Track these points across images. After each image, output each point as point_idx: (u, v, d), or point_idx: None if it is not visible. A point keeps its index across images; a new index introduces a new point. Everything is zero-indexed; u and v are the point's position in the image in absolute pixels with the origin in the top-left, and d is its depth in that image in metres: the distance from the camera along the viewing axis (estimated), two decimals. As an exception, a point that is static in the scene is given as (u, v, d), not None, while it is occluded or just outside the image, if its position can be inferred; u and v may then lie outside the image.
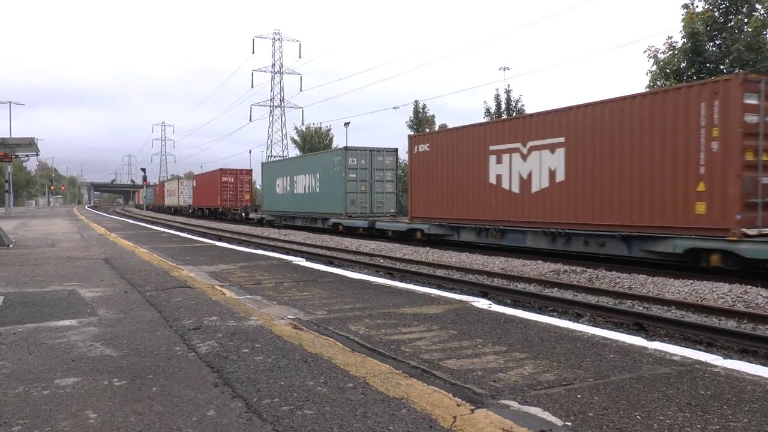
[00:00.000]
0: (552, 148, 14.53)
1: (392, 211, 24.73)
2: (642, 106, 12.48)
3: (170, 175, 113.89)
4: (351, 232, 24.06)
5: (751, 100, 10.77)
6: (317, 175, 26.94)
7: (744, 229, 10.67)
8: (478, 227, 17.05)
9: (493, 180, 16.41)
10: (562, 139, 14.28)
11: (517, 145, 15.61)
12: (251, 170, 46.37)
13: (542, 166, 14.82)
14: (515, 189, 15.68)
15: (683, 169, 11.63)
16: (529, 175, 15.21)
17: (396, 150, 25.90)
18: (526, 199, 15.35)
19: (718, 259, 11.22)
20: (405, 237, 20.49)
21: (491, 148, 16.47)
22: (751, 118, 10.74)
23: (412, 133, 38.72)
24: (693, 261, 11.74)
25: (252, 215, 37.61)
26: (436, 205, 18.70)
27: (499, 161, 16.24)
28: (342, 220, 24.35)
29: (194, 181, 54.31)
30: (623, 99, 13.01)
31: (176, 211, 60.57)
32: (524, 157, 15.39)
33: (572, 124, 14.07)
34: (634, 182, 12.56)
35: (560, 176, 14.34)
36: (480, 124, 17.87)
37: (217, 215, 45.56)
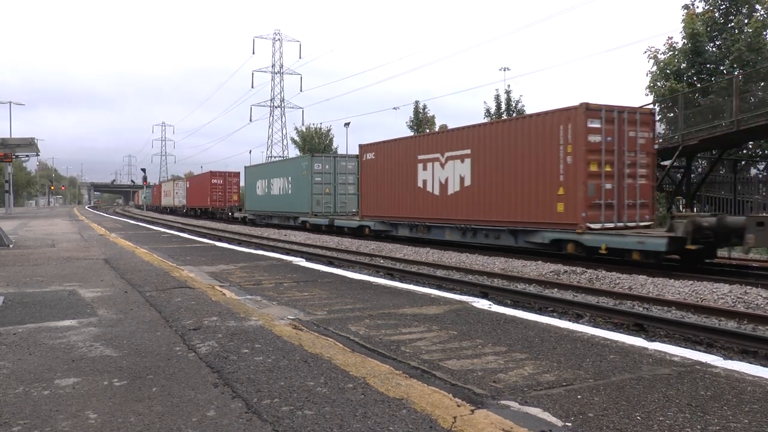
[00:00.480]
0: (462, 158, 17.35)
1: (354, 210, 26.58)
2: (522, 127, 15.43)
3: (170, 176, 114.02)
4: (317, 229, 26.76)
5: (594, 124, 13.68)
6: (289, 179, 29.79)
7: (588, 224, 13.56)
8: (410, 224, 19.98)
9: (420, 184, 19.21)
10: (468, 151, 17.11)
11: (438, 155, 18.49)
12: (239, 173, 47.59)
13: (455, 173, 17.66)
14: (436, 192, 18.53)
15: (549, 177, 14.42)
16: (446, 180, 18.04)
17: (357, 156, 27.26)
18: (444, 200, 18.16)
19: (572, 247, 14.05)
20: (356, 233, 23.47)
21: (419, 157, 19.28)
22: (594, 138, 13.67)
23: (412, 133, 40.24)
24: (556, 249, 14.55)
25: (237, 214, 40.05)
26: (379, 205, 21.55)
27: (425, 168, 19.06)
28: (309, 218, 27.34)
29: (188, 182, 57.18)
30: (510, 120, 16.97)
31: (172, 211, 62.65)
32: (443, 166, 18.23)
33: (475, 139, 16.90)
34: (517, 187, 15.43)
35: (468, 182, 17.15)
36: (411, 137, 21.29)
37: (208, 215, 47.71)
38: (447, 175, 17.98)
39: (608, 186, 13.86)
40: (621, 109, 14.15)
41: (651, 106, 15.12)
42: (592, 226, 13.55)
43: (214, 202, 45.89)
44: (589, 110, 13.67)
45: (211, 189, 45.94)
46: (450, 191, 17.86)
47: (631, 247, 12.68)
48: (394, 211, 20.72)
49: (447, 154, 18.01)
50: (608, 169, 13.82)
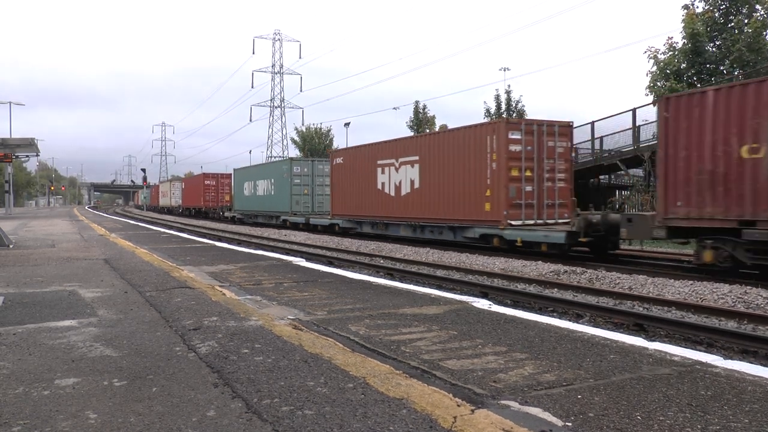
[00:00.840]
0: (412, 164, 19.57)
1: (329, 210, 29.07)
2: (459, 137, 17.44)
3: (170, 176, 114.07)
4: (295, 226, 29.29)
5: (515, 136, 15.77)
6: (272, 181, 32.07)
7: (510, 221, 15.63)
8: (372, 222, 22.20)
9: (380, 186, 21.37)
10: (417, 158, 19.30)
11: (393, 161, 20.68)
12: (231, 174, 48.75)
13: (407, 176, 19.86)
14: (392, 193, 20.73)
15: (480, 181, 16.44)
16: (400, 183, 20.28)
17: None
18: (398, 201, 20.40)
19: (497, 240, 16.07)
20: (328, 230, 26.00)
21: (378, 162, 21.45)
22: (515, 147, 15.77)
23: (412, 134, 40.73)
24: (485, 242, 16.66)
25: (227, 214, 42.08)
26: (346, 205, 23.88)
27: (383, 172, 21.22)
28: (289, 217, 29.75)
29: (183, 183, 59.68)
30: (449, 131, 18.94)
31: (169, 210, 64.40)
32: (397, 170, 20.45)
33: (423, 147, 19.14)
34: (455, 189, 17.45)
35: (417, 185, 19.37)
36: (372, 144, 22.63)
37: (201, 214, 49.65)
38: (401, 178, 20.28)
39: (528, 188, 16.00)
40: (540, 123, 16.33)
41: (569, 120, 16.97)
42: (513, 222, 15.70)
43: (207, 203, 47.89)
44: (510, 124, 16.34)
45: (204, 190, 48.02)
46: (403, 193, 20.15)
47: (539, 240, 14.83)
48: (358, 210, 22.96)
49: (401, 159, 20.31)
50: (528, 174, 16.01)
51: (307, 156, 53.90)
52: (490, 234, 16.26)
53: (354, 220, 23.57)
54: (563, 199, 16.54)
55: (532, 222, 15.82)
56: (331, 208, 25.45)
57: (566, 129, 16.81)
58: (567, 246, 14.34)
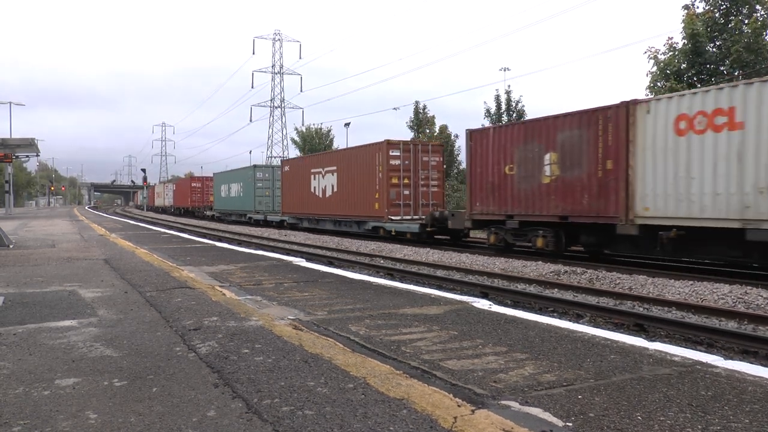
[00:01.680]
0: (333, 172, 25.32)
1: None
2: (360, 152, 23.45)
3: (171, 176, 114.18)
4: (257, 223, 34.70)
5: (394, 153, 21.50)
6: (242, 184, 37.62)
7: (390, 217, 21.22)
8: (309, 218, 28.05)
9: (312, 190, 27.10)
10: (335, 168, 25.18)
11: (321, 169, 26.53)
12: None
13: (329, 182, 25.53)
14: (320, 195, 26.40)
15: (371, 186, 22.05)
16: (325, 187, 25.99)
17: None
18: (324, 201, 26.09)
19: (383, 231, 21.63)
20: (279, 225, 31.90)
21: (312, 170, 27.35)
22: (394, 162, 21.43)
23: (412, 134, 41.23)
24: (375, 233, 22.18)
25: (207, 212, 47.67)
26: (292, 205, 29.83)
27: (314, 179, 26.97)
28: (252, 214, 35.51)
29: (174, 185, 65.14)
30: (354, 148, 25.02)
31: (163, 210, 69.17)
32: (323, 177, 26.18)
33: (339, 160, 25.26)
34: (357, 193, 23.14)
35: (335, 189, 25.13)
36: (308, 156, 31.41)
37: (189, 213, 54.63)
38: (326, 183, 25.88)
39: (406, 192, 21.53)
40: (416, 143, 22.95)
41: (441, 141, 22.37)
42: (393, 218, 21.25)
43: (193, 203, 52.91)
44: (390, 144, 21.68)
45: (191, 191, 53.17)
46: (327, 195, 25.76)
47: (405, 230, 20.61)
48: (299, 209, 28.83)
49: (325, 168, 26.09)
50: (406, 181, 21.55)
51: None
52: (378, 226, 21.81)
53: (297, 217, 29.39)
54: (436, 200, 22.06)
55: (408, 218, 21.30)
56: (281, 207, 31.52)
57: (438, 147, 22.74)
58: (421, 234, 19.89)
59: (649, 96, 24.19)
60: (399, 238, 21.06)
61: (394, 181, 21.23)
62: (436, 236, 19.98)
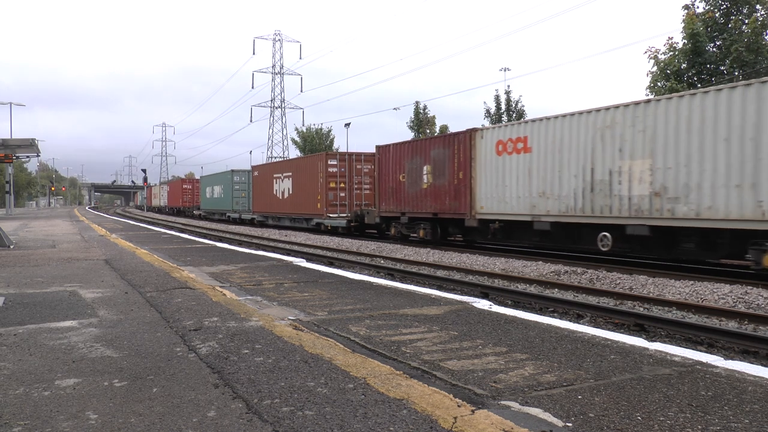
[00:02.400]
0: (289, 177, 30.23)
1: None
2: (308, 161, 28.69)
3: (171, 176, 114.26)
4: (234, 221, 39.48)
5: (332, 162, 25.98)
6: (222, 186, 42.71)
7: (329, 215, 25.43)
8: (272, 216, 33.03)
9: (275, 192, 32.10)
10: (291, 173, 30.13)
11: (280, 174, 31.46)
12: None
13: (286, 186, 30.47)
14: (280, 197, 31.30)
15: (315, 190, 26.66)
16: (284, 190, 30.82)
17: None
18: (283, 202, 30.93)
19: (323, 227, 25.86)
20: (250, 222, 36.44)
21: (274, 175, 32.36)
22: (332, 169, 25.85)
23: (412, 134, 41.43)
24: (317, 227, 26.65)
25: (195, 212, 51.99)
26: (260, 204, 34.82)
27: (276, 183, 31.95)
28: (230, 213, 40.47)
29: (168, 187, 69.94)
30: (304, 157, 35.53)
31: (159, 210, 73.53)
32: (282, 181, 31.05)
33: (293, 166, 30.29)
34: (305, 194, 27.75)
35: (291, 191, 29.98)
36: (272, 163, 36.59)
37: (180, 213, 58.82)
38: (284, 187, 30.69)
39: (342, 194, 25.91)
40: (351, 154, 26.70)
41: (372, 152, 23.31)
42: (331, 215, 25.53)
43: (184, 203, 57.07)
44: (329, 155, 26.77)
45: (182, 192, 57.72)
46: (285, 196, 30.57)
47: (337, 225, 24.88)
48: (265, 208, 33.79)
49: (283, 174, 30.94)
50: (342, 185, 25.93)
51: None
52: (319, 222, 26.43)
53: (264, 215, 34.16)
54: (368, 201, 25.73)
55: (345, 215, 25.15)
56: (252, 207, 36.78)
57: (370, 157, 25.32)
58: (348, 228, 24.37)
59: (649, 95, 24.21)
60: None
61: (332, 185, 25.89)
62: (367, 230, 24.54)
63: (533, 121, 15.17)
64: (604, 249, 13.39)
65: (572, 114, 13.96)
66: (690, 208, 11.41)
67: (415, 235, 20.11)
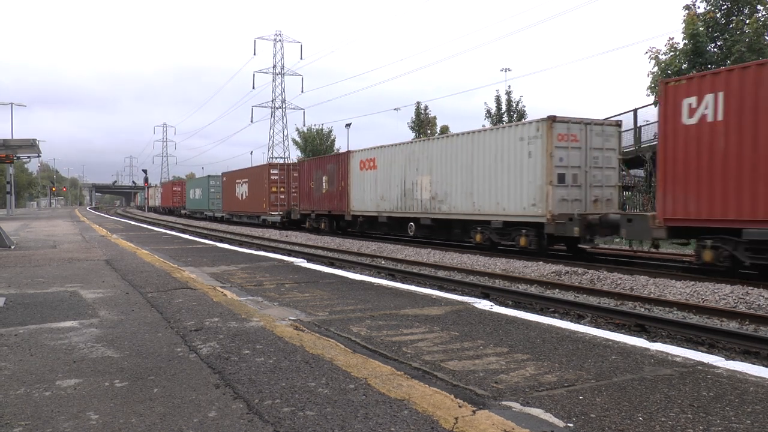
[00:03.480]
0: (245, 183, 37.38)
1: None
2: (257, 170, 36.28)
3: (171, 177, 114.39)
4: (210, 218, 46.89)
5: (275, 171, 34.24)
6: (201, 189, 49.97)
7: (270, 212, 33.36)
8: (235, 214, 40.28)
9: (237, 194, 39.23)
10: (247, 180, 37.06)
11: (240, 180, 38.64)
12: None
13: (244, 189, 37.45)
14: (240, 199, 38.52)
15: (262, 193, 34.01)
16: (243, 193, 37.99)
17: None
18: (242, 202, 38.12)
19: (267, 222, 33.90)
20: (221, 220, 43.70)
21: (237, 181, 39.41)
22: (274, 177, 33.77)
23: (413, 134, 41.88)
24: (262, 223, 34.68)
25: (182, 211, 57.93)
26: (228, 205, 41.84)
27: (237, 187, 38.99)
28: (207, 212, 47.87)
29: (161, 188, 76.46)
30: (254, 167, 39.42)
31: (154, 210, 78.39)
32: (241, 186, 38.27)
33: (248, 174, 37.33)
34: (256, 197, 34.85)
35: (247, 194, 37.12)
36: (235, 171, 42.30)
37: (171, 212, 63.85)
38: (243, 190, 37.96)
39: (282, 197, 33.18)
40: (289, 164, 34.56)
41: (300, 160, 33.63)
42: (272, 213, 32.79)
43: (174, 203, 62.38)
44: (271, 165, 34.50)
45: (173, 194, 63.31)
46: (243, 198, 37.76)
47: (274, 220, 32.48)
48: (231, 208, 40.96)
49: (243, 180, 38.20)
50: (282, 189, 33.26)
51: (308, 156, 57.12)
52: (264, 218, 33.52)
53: (230, 214, 41.49)
54: (296, 202, 30.75)
55: (280, 213, 32.30)
56: (222, 207, 43.71)
57: (293, 166, 33.59)
58: (283, 222, 31.83)
59: (649, 96, 24.21)
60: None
61: (274, 190, 33.40)
62: (302, 225, 30.00)
63: (379, 147, 22.28)
64: (411, 233, 20.45)
65: (397, 144, 21.27)
66: (449, 207, 18.28)
67: (320, 226, 27.33)
